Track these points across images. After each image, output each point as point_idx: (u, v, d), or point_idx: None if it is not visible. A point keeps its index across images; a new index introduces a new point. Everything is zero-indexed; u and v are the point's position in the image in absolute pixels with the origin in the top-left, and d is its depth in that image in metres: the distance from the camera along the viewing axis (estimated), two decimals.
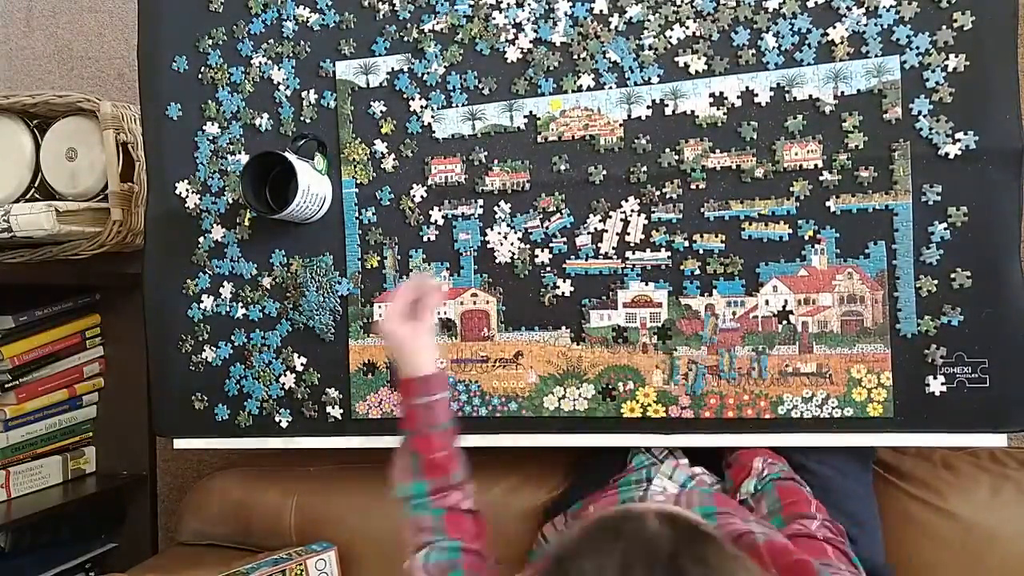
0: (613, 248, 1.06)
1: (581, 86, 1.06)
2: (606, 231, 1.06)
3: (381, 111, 1.13)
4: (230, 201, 1.19)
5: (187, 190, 1.21)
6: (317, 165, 1.12)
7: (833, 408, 0.99)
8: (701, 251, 1.03)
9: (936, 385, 0.96)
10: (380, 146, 1.13)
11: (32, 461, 1.54)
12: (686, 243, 1.03)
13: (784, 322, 1.01)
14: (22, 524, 1.50)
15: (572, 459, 1.20)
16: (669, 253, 1.04)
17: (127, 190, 1.47)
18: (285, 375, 1.18)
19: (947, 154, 0.95)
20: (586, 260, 1.07)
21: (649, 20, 1.03)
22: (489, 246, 1.10)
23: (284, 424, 1.18)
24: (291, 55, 1.16)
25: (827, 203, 0.99)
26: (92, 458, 1.66)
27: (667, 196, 1.03)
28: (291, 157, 1.06)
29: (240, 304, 1.19)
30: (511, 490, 1.13)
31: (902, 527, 1.06)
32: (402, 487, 0.88)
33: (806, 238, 0.99)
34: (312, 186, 1.08)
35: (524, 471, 1.16)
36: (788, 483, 0.94)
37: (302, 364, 1.17)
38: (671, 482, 0.98)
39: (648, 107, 1.04)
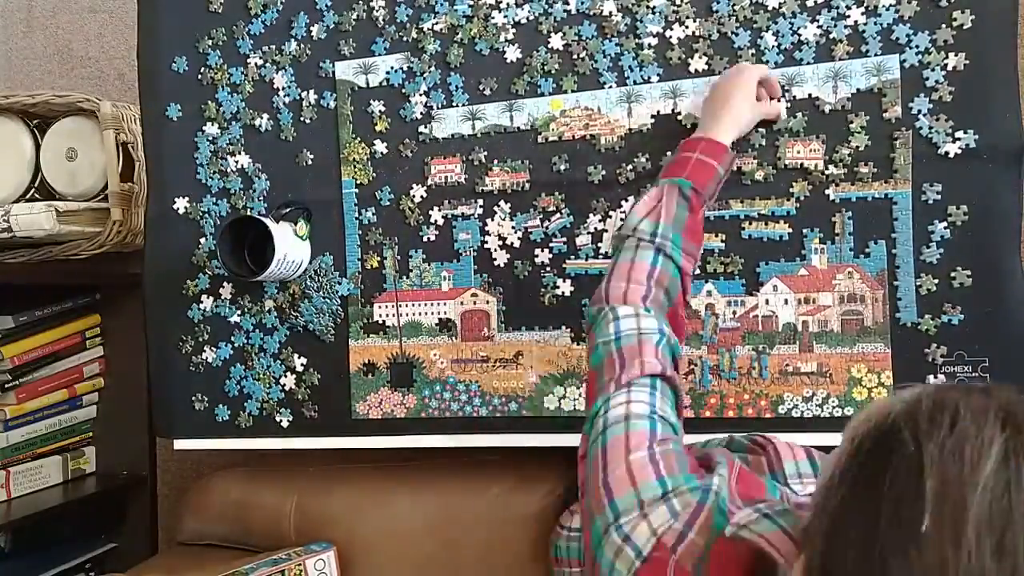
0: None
1: (581, 86, 1.06)
2: (606, 231, 1.06)
3: (381, 111, 1.13)
4: (230, 202, 1.19)
5: (187, 191, 1.21)
6: (299, 231, 1.12)
7: (834, 407, 0.99)
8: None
9: None
10: (380, 146, 1.13)
11: (32, 461, 1.54)
12: None
13: (784, 321, 1.00)
14: (22, 524, 1.50)
15: (572, 459, 1.20)
16: None
17: (127, 190, 1.46)
18: (285, 376, 1.18)
19: (947, 153, 0.95)
20: (586, 260, 1.07)
21: (649, 19, 1.03)
22: (488, 246, 1.10)
23: (284, 424, 1.18)
24: (291, 55, 1.16)
25: (827, 191, 0.99)
26: (92, 458, 1.65)
27: None
28: (270, 224, 1.07)
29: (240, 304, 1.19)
30: (510, 490, 1.13)
31: None
32: (660, 225, 0.81)
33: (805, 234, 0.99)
34: (289, 254, 1.09)
35: (524, 471, 1.16)
36: None
37: (302, 365, 1.17)
38: None
39: (648, 106, 1.04)
